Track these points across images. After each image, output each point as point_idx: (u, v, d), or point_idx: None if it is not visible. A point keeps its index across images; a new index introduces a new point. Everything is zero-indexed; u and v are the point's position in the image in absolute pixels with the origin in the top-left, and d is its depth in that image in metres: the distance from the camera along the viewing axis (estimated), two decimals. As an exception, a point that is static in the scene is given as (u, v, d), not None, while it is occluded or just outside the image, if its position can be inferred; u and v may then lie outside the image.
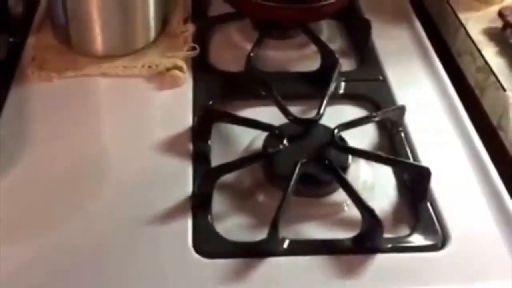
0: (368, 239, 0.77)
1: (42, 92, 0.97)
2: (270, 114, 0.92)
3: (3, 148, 0.86)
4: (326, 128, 0.88)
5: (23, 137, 0.90)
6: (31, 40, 1.06)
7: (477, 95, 1.01)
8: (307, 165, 0.82)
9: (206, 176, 0.82)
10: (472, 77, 1.03)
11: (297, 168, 0.80)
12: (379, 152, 0.90)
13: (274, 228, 0.75)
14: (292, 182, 0.79)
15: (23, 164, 0.86)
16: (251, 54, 1.00)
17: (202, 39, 1.08)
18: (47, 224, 0.79)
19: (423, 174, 0.82)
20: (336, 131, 0.85)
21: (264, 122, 0.88)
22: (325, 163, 0.83)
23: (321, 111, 0.90)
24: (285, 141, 0.85)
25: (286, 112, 0.90)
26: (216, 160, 0.88)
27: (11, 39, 1.04)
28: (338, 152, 0.85)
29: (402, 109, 0.92)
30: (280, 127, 0.87)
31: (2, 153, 0.86)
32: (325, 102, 0.91)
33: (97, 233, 0.78)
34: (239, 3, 1.07)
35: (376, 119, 0.93)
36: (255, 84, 0.97)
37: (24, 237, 0.77)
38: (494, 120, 0.95)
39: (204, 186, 0.81)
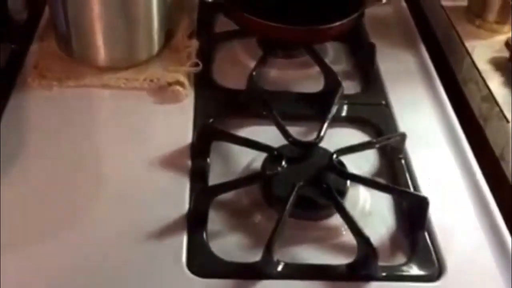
0: (363, 266, 0.76)
1: (42, 100, 0.97)
2: (271, 134, 0.91)
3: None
4: (326, 152, 0.87)
5: (20, 145, 0.89)
6: (34, 47, 1.05)
7: (481, 124, 1.00)
8: (305, 188, 0.82)
9: (201, 195, 0.81)
10: (477, 106, 1.02)
11: (294, 191, 0.80)
12: (377, 179, 0.89)
13: (268, 250, 0.74)
14: (288, 205, 0.78)
15: (18, 173, 0.85)
16: (254, 73, 0.99)
17: (206, 55, 1.07)
18: (39, 235, 0.78)
19: (421, 204, 0.81)
20: (335, 155, 0.85)
21: (263, 143, 0.87)
22: (323, 186, 0.82)
23: (321, 134, 0.89)
24: (283, 163, 0.84)
25: (285, 134, 0.89)
26: (214, 178, 0.87)
27: (13, 46, 1.04)
28: (336, 176, 0.84)
29: (402, 136, 0.91)
30: (279, 149, 0.87)
31: (-1, 160, 0.85)
32: (325, 125, 0.90)
33: (90, 247, 0.77)
34: (244, 22, 1.06)
35: (376, 145, 0.92)
36: (256, 103, 0.96)
37: (16, 248, 0.76)
38: (497, 151, 0.94)
39: (199, 204, 0.81)
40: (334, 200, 0.81)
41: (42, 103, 0.96)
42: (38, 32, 1.08)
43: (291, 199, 0.79)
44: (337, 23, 1.03)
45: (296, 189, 0.80)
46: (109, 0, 0.96)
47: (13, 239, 0.77)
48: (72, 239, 0.78)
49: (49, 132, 0.92)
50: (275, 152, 0.86)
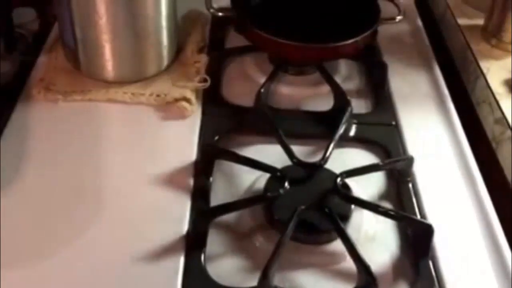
0: (363, 295, 0.74)
1: (46, 113, 0.96)
2: (277, 152, 0.89)
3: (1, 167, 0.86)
4: (330, 173, 0.85)
5: (22, 158, 0.89)
6: (41, 59, 1.05)
7: (493, 148, 0.97)
8: (306, 212, 0.80)
9: (201, 216, 0.80)
10: (490, 128, 1.00)
11: (295, 215, 0.78)
12: (383, 203, 0.87)
13: (265, 276, 0.72)
14: (288, 230, 0.76)
15: (18, 186, 0.85)
16: (262, 90, 0.98)
17: (215, 70, 1.06)
18: (37, 253, 0.77)
19: (426, 231, 0.79)
20: (339, 179, 0.83)
21: (266, 163, 0.86)
22: (325, 211, 0.80)
23: (327, 155, 0.87)
24: (286, 185, 0.82)
25: (290, 154, 0.87)
26: (216, 198, 0.86)
27: (21, 58, 1.04)
28: (340, 200, 0.82)
29: (410, 160, 0.89)
30: (283, 170, 0.85)
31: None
32: (331, 146, 0.88)
33: (85, 266, 0.76)
34: (255, 38, 1.04)
35: (383, 168, 0.90)
36: (262, 121, 0.94)
37: (15, 266, 0.75)
38: (509, 176, 0.92)
39: (198, 226, 0.79)
40: (336, 225, 0.79)
41: (46, 116, 0.96)
42: (47, 44, 1.08)
43: (292, 223, 0.77)
44: (349, 41, 1.01)
45: (297, 213, 0.79)
46: (117, 14, 0.96)
47: (11, 257, 0.76)
48: (67, 258, 0.77)
49: (52, 146, 0.91)
50: (278, 173, 0.84)
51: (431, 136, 0.98)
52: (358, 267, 0.75)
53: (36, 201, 0.83)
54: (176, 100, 0.98)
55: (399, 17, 1.08)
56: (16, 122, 0.94)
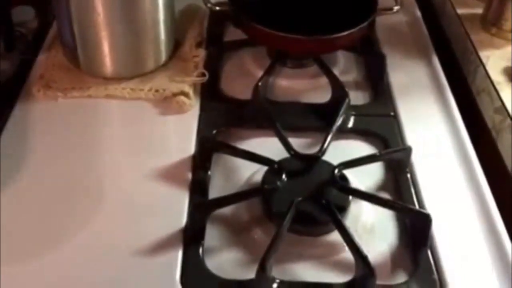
0: (361, 286, 0.74)
1: (46, 111, 0.97)
2: (276, 145, 0.89)
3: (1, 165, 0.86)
4: (328, 165, 0.85)
5: (22, 155, 0.89)
6: (41, 57, 1.05)
7: (494, 137, 0.97)
8: (304, 204, 0.80)
9: (198, 210, 0.80)
10: (490, 117, 0.99)
11: (293, 207, 0.78)
12: (381, 194, 0.87)
13: (262, 268, 0.72)
14: (285, 222, 0.76)
15: (19, 183, 0.85)
16: (259, 84, 0.98)
17: (214, 64, 1.06)
18: (37, 247, 0.78)
19: (424, 220, 0.79)
20: (336, 170, 0.83)
21: (264, 155, 0.86)
22: (322, 202, 0.80)
23: (324, 147, 0.87)
24: (284, 177, 0.83)
25: (287, 147, 0.87)
26: (214, 191, 0.86)
27: (21, 56, 1.04)
28: (338, 191, 0.82)
29: (408, 150, 0.89)
30: (280, 162, 0.85)
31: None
32: (329, 138, 0.88)
33: (84, 260, 0.77)
34: (252, 32, 1.04)
35: (381, 158, 0.90)
36: (259, 114, 0.94)
37: (15, 261, 0.76)
38: (509, 165, 0.91)
39: (197, 219, 0.80)
40: (333, 216, 0.79)
41: (46, 114, 0.96)
42: (46, 42, 1.09)
43: (289, 215, 0.77)
44: (345, 33, 1.00)
45: (294, 204, 0.79)
46: (115, 11, 0.96)
47: (11, 252, 0.76)
48: (67, 253, 0.77)
49: (52, 143, 0.92)
50: (276, 166, 0.84)
51: (430, 126, 0.97)
52: (356, 258, 0.75)
53: (37, 197, 0.84)
54: (175, 95, 0.98)
55: (396, 7, 1.07)
56: (16, 120, 0.95)
